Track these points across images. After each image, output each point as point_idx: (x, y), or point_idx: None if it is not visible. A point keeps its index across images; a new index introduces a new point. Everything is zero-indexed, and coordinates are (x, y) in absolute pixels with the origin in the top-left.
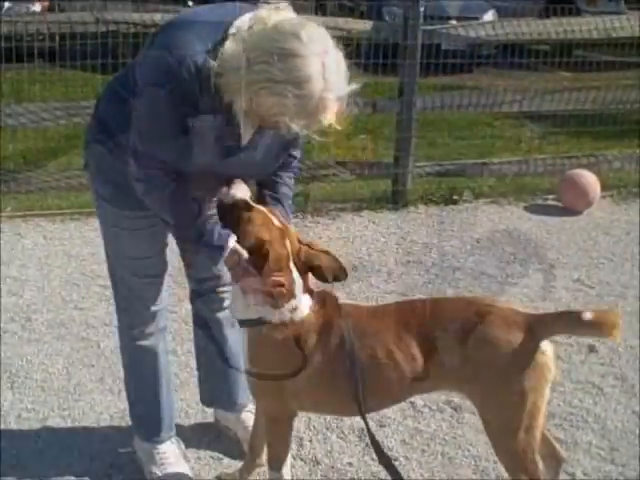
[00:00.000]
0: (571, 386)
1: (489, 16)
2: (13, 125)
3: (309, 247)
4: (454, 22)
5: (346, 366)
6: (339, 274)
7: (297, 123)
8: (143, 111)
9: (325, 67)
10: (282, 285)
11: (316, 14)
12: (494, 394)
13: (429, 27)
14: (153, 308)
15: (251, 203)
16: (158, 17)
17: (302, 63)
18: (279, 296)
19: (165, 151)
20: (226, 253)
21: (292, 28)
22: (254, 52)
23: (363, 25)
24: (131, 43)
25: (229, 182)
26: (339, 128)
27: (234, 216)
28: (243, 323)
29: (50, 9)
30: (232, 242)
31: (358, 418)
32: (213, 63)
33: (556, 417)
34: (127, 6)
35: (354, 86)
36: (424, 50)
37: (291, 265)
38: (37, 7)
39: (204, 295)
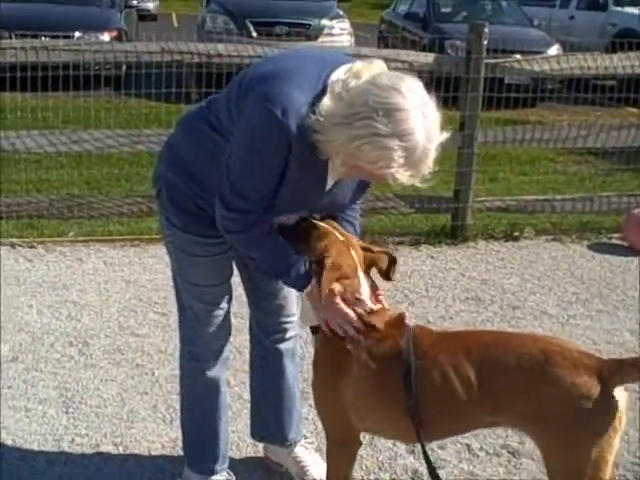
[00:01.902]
0: (637, 435)
1: (553, 50)
2: (78, 151)
3: (370, 251)
4: (518, 56)
5: (402, 385)
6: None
7: (402, 174)
8: (243, 156)
9: (425, 117)
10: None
11: (378, 46)
12: (557, 439)
13: (492, 60)
14: (219, 337)
15: (312, 220)
16: (221, 47)
17: (406, 116)
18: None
19: (259, 196)
20: (307, 290)
21: (391, 82)
22: (354, 108)
23: (425, 58)
24: (195, 73)
25: None
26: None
27: (299, 234)
28: (315, 330)
29: (118, 38)
30: (314, 281)
31: (412, 458)
32: (312, 119)
33: (619, 467)
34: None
35: (446, 134)
36: (486, 83)
37: (359, 274)
38: (106, 37)
39: (266, 325)
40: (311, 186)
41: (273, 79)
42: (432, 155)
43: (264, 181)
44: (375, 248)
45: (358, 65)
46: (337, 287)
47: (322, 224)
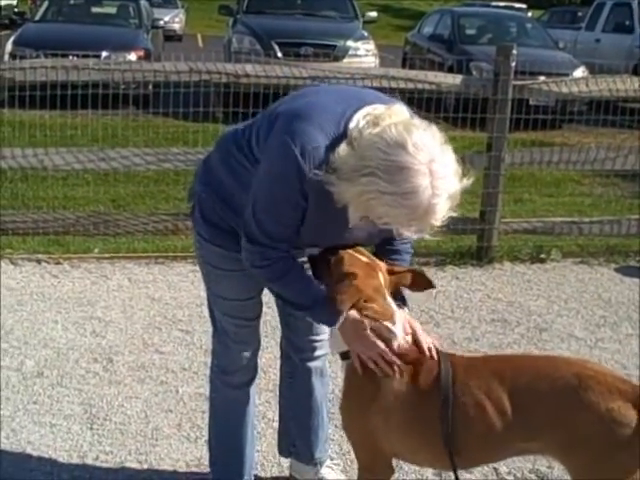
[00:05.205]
0: None
1: (579, 73)
2: (105, 169)
3: (393, 272)
4: (543, 78)
5: (438, 411)
6: (427, 285)
7: (408, 229)
8: (265, 193)
9: (433, 174)
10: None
11: (402, 67)
12: (590, 464)
13: (520, 82)
14: (246, 353)
15: (336, 249)
16: (249, 68)
17: (409, 175)
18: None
19: (281, 230)
20: (339, 323)
21: (399, 137)
22: (362, 161)
23: (452, 79)
24: (222, 92)
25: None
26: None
27: (322, 263)
28: (345, 355)
29: (145, 58)
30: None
31: None
32: (324, 173)
33: None
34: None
35: (466, 182)
36: (513, 105)
37: (387, 294)
38: (133, 56)
39: (295, 342)
40: (332, 224)
41: (298, 116)
42: (442, 209)
43: (285, 217)
44: (398, 268)
45: (378, 110)
46: (366, 320)
47: (346, 251)
